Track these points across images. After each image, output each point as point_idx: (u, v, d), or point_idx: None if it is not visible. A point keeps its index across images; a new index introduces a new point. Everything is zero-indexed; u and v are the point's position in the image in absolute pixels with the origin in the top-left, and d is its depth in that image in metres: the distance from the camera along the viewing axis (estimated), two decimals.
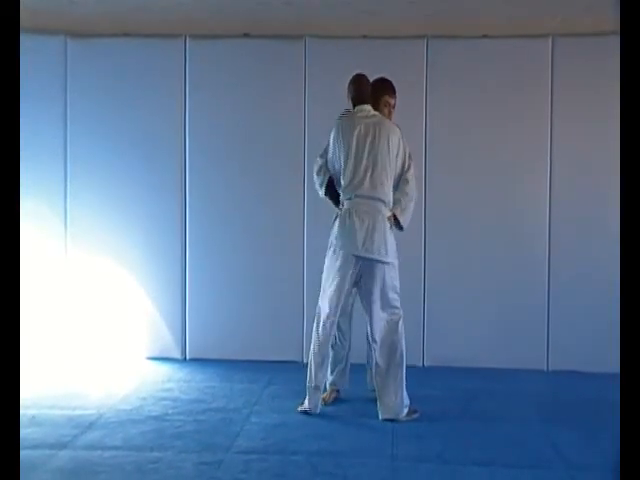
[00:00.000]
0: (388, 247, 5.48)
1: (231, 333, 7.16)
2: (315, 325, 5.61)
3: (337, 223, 5.58)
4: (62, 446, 4.86)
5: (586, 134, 6.91)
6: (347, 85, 5.69)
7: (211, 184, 7.15)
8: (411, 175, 5.63)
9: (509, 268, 7.00)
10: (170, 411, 5.64)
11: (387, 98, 5.70)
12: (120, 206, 7.18)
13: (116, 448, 4.85)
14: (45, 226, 7.18)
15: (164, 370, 6.88)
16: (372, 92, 5.64)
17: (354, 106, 5.64)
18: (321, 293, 5.66)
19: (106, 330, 7.28)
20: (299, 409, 5.56)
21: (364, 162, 5.49)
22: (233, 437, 5.08)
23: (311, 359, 5.60)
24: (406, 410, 5.48)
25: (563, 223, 6.93)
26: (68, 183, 7.19)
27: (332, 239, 5.62)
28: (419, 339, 7.01)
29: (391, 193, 5.55)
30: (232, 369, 6.85)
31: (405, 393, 5.50)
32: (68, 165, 7.18)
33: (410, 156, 5.67)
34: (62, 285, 7.24)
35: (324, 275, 5.66)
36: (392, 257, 5.52)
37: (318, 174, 5.80)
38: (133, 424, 5.32)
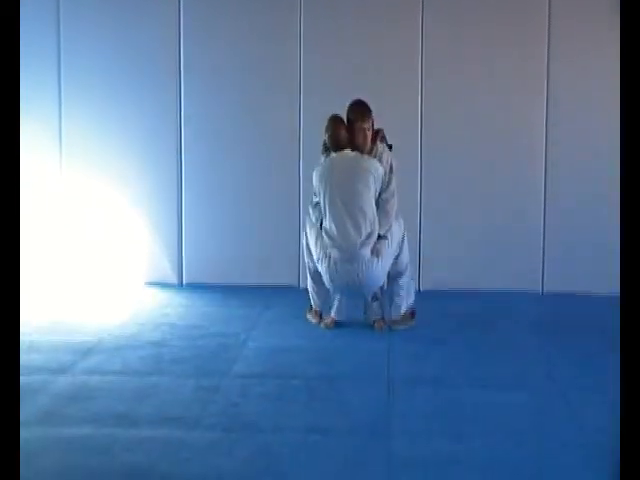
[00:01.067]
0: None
1: (228, 258, 7.17)
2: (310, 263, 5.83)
3: (324, 265, 5.62)
4: (61, 371, 4.89)
5: (585, 56, 6.86)
6: (324, 128, 5.77)
7: (207, 107, 7.09)
8: (390, 192, 5.66)
9: (505, 190, 7.00)
10: (168, 337, 5.67)
11: (359, 124, 5.65)
12: (115, 127, 7.14)
13: (114, 373, 4.88)
14: (39, 146, 7.15)
15: (161, 296, 6.91)
16: (347, 119, 5.71)
17: (332, 151, 5.73)
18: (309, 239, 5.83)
19: (103, 256, 7.29)
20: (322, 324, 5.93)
21: (343, 216, 5.53)
22: (231, 362, 5.11)
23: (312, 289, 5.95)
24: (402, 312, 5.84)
25: (560, 144, 6.90)
26: (62, 101, 7.13)
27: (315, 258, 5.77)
28: (415, 263, 7.02)
29: (374, 225, 5.58)
30: (229, 294, 6.88)
31: (401, 297, 5.83)
32: (62, 84, 7.11)
33: (392, 169, 5.70)
34: (57, 208, 7.24)
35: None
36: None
37: (314, 211, 5.81)
38: (131, 349, 5.36)
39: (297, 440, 3.91)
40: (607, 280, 6.47)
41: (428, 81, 6.94)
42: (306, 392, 4.58)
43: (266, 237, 7.11)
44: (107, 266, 7.29)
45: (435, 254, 7.04)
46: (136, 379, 4.78)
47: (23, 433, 3.60)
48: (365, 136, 5.65)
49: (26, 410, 4.16)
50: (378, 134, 5.77)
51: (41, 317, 6.15)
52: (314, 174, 5.74)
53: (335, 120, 5.72)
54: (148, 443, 3.86)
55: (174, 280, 7.27)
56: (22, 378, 4.27)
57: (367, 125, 5.66)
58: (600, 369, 4.99)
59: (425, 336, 5.66)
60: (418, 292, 6.72)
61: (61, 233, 7.27)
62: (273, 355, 5.26)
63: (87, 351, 5.30)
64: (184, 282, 7.27)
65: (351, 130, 5.66)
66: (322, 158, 5.80)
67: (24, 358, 4.99)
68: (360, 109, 5.69)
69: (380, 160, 5.67)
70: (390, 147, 5.81)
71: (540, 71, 6.88)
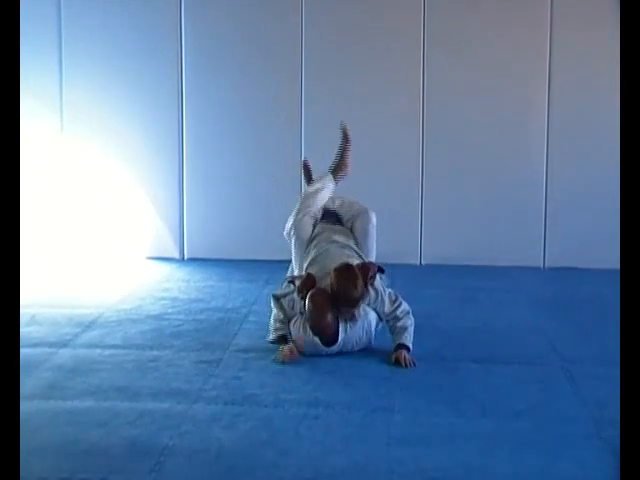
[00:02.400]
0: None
1: (229, 232, 7.17)
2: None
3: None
4: (62, 344, 4.90)
5: (586, 25, 6.84)
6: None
7: (209, 79, 7.08)
8: (404, 312, 4.86)
9: (506, 165, 6.98)
10: (169, 310, 5.68)
11: (347, 309, 4.68)
12: (115, 101, 7.13)
13: (116, 347, 4.89)
14: (40, 116, 7.14)
15: (163, 270, 6.91)
16: (333, 290, 4.68)
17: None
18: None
19: (104, 230, 7.28)
20: None
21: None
22: (232, 336, 5.12)
23: None
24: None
25: (562, 121, 6.88)
26: (63, 71, 7.11)
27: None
28: (416, 237, 7.02)
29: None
30: (230, 268, 6.88)
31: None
32: (63, 50, 7.09)
33: (395, 299, 4.89)
34: (58, 183, 7.23)
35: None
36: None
37: (278, 318, 4.91)
38: (132, 323, 5.36)
39: (298, 414, 3.92)
40: (608, 254, 6.47)
41: (431, 54, 6.92)
42: (307, 366, 4.58)
43: (267, 212, 7.10)
44: (109, 240, 7.29)
45: (436, 229, 7.03)
46: (137, 353, 4.78)
47: (24, 406, 3.62)
48: (353, 315, 4.71)
49: (27, 383, 4.18)
50: (368, 275, 4.79)
51: (42, 291, 6.16)
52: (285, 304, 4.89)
53: (320, 324, 4.65)
54: (149, 416, 3.87)
55: (175, 254, 7.27)
56: (23, 351, 4.29)
57: (357, 308, 4.71)
58: (601, 343, 4.99)
59: (426, 311, 5.65)
60: (419, 266, 6.73)
61: (62, 207, 7.25)
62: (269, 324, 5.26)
63: (88, 324, 5.31)
64: (185, 256, 7.27)
65: (336, 304, 4.67)
66: (292, 298, 4.89)
67: (25, 331, 5.01)
68: (348, 295, 4.64)
69: (374, 303, 4.82)
70: (382, 271, 4.97)
71: (542, 43, 6.84)
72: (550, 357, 4.81)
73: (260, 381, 4.35)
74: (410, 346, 4.75)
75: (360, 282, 4.68)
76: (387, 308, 4.84)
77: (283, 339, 4.79)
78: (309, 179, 5.68)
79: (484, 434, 3.72)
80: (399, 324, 4.82)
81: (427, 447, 3.58)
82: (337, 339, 4.69)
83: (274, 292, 5.11)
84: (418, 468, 3.38)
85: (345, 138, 5.58)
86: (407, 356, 4.67)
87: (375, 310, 4.84)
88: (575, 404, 4.09)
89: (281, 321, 4.87)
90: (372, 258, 5.26)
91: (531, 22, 6.84)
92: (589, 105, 6.86)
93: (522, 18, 6.85)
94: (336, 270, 4.73)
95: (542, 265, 7.03)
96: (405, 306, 4.90)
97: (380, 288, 4.88)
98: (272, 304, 4.98)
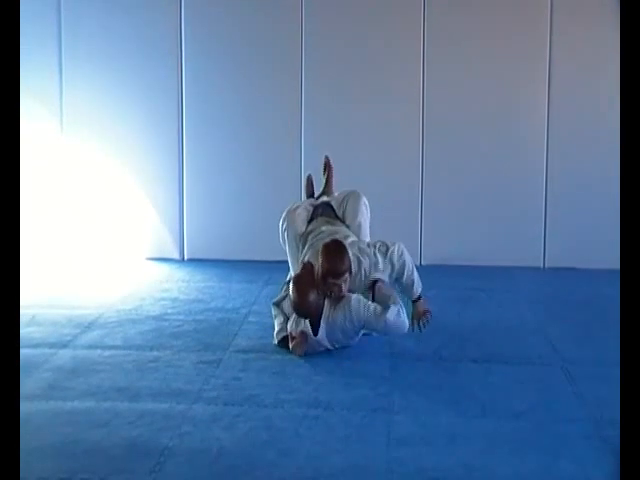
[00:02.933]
0: None
1: (229, 233, 7.17)
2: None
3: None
4: (62, 345, 4.90)
5: (586, 26, 6.83)
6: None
7: (208, 77, 7.08)
8: (400, 261, 4.92)
9: (506, 165, 6.98)
10: (169, 311, 5.67)
11: (332, 280, 4.68)
12: (115, 100, 7.13)
13: (116, 347, 4.89)
14: (39, 117, 7.13)
15: (163, 271, 6.91)
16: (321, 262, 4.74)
17: None
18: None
19: (104, 231, 7.28)
20: None
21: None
22: (232, 336, 5.12)
23: None
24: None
25: (562, 122, 6.88)
26: (63, 71, 7.11)
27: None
28: (416, 237, 7.02)
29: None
30: (230, 269, 6.88)
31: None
32: (62, 51, 7.08)
33: (386, 250, 4.90)
34: (58, 183, 7.23)
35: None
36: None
37: (280, 321, 5.00)
38: (132, 324, 5.36)
39: (298, 414, 3.92)
40: (608, 254, 6.47)
41: (431, 55, 6.92)
42: (307, 366, 4.59)
43: (267, 212, 7.09)
44: (109, 240, 7.28)
45: (436, 229, 7.03)
46: (137, 353, 4.78)
47: (24, 406, 3.62)
48: (340, 289, 4.71)
49: (28, 384, 4.18)
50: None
51: (42, 291, 6.15)
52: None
53: (299, 291, 4.68)
54: (149, 417, 3.87)
55: (175, 255, 7.27)
56: (24, 352, 4.30)
57: (343, 278, 4.72)
58: (601, 343, 4.99)
59: None
60: (419, 266, 6.72)
61: (61, 208, 7.25)
62: (274, 330, 5.26)
63: (88, 325, 5.31)
64: (185, 257, 7.27)
65: (325, 281, 4.71)
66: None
67: (25, 332, 5.01)
68: (334, 267, 4.69)
69: (375, 268, 4.87)
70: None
71: (542, 43, 6.84)
72: (550, 357, 4.81)
73: (260, 381, 4.36)
74: (420, 291, 4.99)
75: (347, 255, 4.77)
76: (381, 263, 4.88)
77: (288, 339, 4.85)
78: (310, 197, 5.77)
79: (484, 434, 3.72)
80: (403, 280, 4.95)
81: (427, 447, 3.58)
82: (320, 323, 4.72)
83: (273, 300, 5.17)
84: (418, 468, 3.39)
85: (328, 169, 5.65)
86: (422, 310, 4.95)
87: (375, 273, 4.86)
88: (575, 404, 4.09)
89: (282, 324, 4.96)
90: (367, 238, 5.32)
91: (531, 22, 6.84)
92: (589, 105, 6.86)
93: (522, 18, 6.85)
94: (324, 245, 4.83)
95: (542, 265, 7.03)
96: (395, 250, 4.92)
97: (371, 252, 4.90)
98: (273, 312, 5.08)
